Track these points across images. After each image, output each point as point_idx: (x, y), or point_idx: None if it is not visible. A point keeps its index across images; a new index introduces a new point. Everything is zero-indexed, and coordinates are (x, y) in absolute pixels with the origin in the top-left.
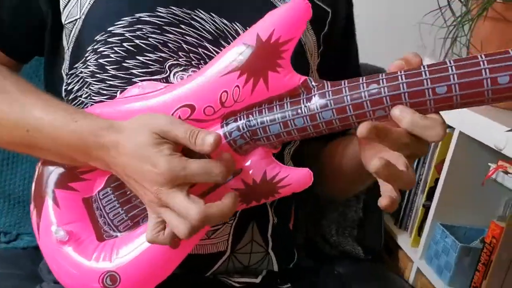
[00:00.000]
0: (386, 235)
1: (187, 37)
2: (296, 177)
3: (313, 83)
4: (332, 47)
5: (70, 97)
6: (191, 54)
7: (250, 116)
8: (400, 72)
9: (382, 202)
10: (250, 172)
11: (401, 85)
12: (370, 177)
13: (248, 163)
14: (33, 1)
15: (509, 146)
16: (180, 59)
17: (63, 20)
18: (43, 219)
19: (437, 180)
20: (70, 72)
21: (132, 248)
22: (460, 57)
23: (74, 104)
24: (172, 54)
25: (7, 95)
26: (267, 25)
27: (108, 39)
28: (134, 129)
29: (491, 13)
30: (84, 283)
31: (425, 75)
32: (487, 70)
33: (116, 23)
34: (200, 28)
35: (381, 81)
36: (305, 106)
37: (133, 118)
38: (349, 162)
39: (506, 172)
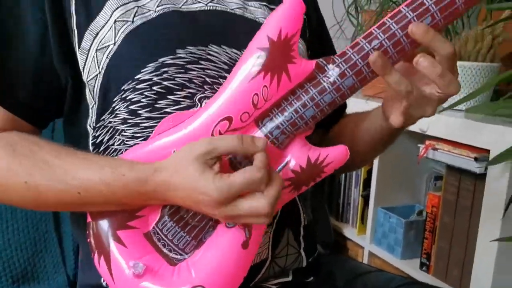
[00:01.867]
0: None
1: (208, 71)
2: (335, 154)
3: (324, 61)
4: (316, 46)
5: (101, 149)
6: (214, 86)
7: (284, 112)
8: (389, 21)
9: (395, 121)
10: (296, 161)
11: (396, 32)
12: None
13: (291, 154)
14: (52, 70)
15: (432, 127)
16: (206, 91)
17: (85, 79)
18: (113, 262)
19: (369, 170)
20: (97, 125)
21: (209, 259)
22: None
23: (107, 154)
24: (198, 89)
25: (45, 164)
26: (273, 26)
27: (137, 86)
28: (177, 164)
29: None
30: None
31: (410, 14)
32: None
33: (142, 71)
34: (216, 61)
35: (378, 35)
36: (327, 83)
37: (173, 154)
38: (369, 131)
39: (435, 149)
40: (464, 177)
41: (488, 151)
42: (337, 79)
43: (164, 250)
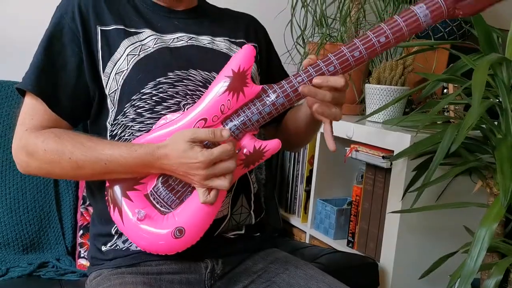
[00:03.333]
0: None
1: (189, 87)
2: (272, 145)
3: (267, 87)
4: (264, 66)
5: (116, 139)
6: (193, 96)
7: (239, 116)
8: (310, 69)
9: (331, 147)
10: (246, 148)
11: (311, 73)
12: (315, 127)
13: (243, 143)
14: (85, 87)
15: (355, 134)
16: (188, 100)
17: (107, 92)
18: (124, 211)
19: (311, 170)
20: (113, 123)
21: (187, 211)
22: None
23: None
24: (183, 98)
25: (82, 145)
26: (235, 63)
27: (142, 97)
28: (173, 143)
29: (322, 50)
30: (160, 241)
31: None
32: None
33: (145, 86)
34: (194, 80)
35: (300, 74)
36: (267, 101)
37: (170, 137)
38: (300, 121)
39: (357, 150)
40: (377, 171)
41: (392, 151)
42: (274, 99)
43: (158, 205)
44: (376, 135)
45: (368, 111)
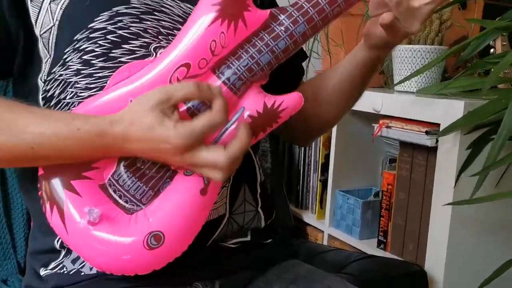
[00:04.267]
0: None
1: (162, 22)
2: (290, 100)
3: (277, 11)
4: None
5: (53, 103)
6: (169, 37)
7: (240, 58)
8: None
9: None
10: (252, 106)
11: None
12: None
13: (248, 100)
14: (1, 24)
15: (385, 106)
16: (161, 42)
17: (37, 32)
18: (67, 211)
19: (327, 155)
20: (48, 78)
21: (167, 207)
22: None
23: (57, 108)
24: (153, 39)
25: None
26: None
27: (90, 35)
28: (133, 115)
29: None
30: (126, 254)
31: None
32: None
33: (96, 19)
34: (170, 14)
35: None
36: (280, 30)
37: (129, 105)
38: (338, 81)
39: (388, 127)
40: (416, 152)
41: (438, 125)
42: (289, 25)
43: (121, 201)
44: (413, 106)
45: (396, 80)
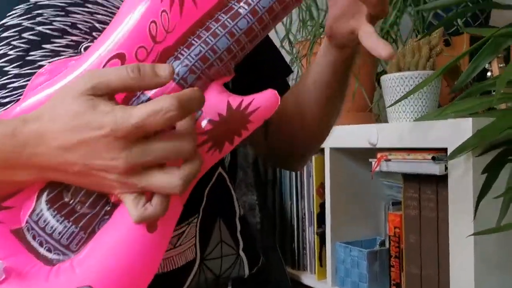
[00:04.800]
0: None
1: (97, 16)
2: (262, 98)
3: None
4: None
5: None
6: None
7: (191, 46)
8: None
9: (385, 51)
10: (213, 108)
11: None
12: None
13: (206, 101)
14: None
15: (381, 138)
16: (95, 40)
17: None
18: None
19: (322, 205)
20: None
21: (101, 253)
22: None
23: None
24: (85, 36)
25: None
26: None
27: (2, 35)
28: (54, 109)
29: (317, 49)
30: None
31: None
32: None
33: (8, 14)
34: (107, 5)
35: None
36: (240, 7)
37: (50, 99)
38: (313, 86)
39: (388, 160)
40: (423, 186)
41: (445, 149)
42: (252, 0)
43: (41, 249)
44: (413, 132)
45: (389, 115)
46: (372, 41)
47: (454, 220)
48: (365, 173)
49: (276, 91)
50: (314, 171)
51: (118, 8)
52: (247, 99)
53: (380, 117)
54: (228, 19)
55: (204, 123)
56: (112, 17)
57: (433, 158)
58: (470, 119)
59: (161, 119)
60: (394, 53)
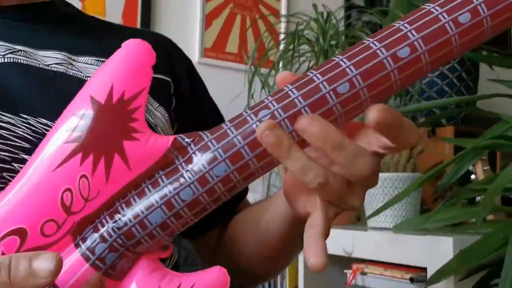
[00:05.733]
0: None
1: (2, 152)
2: (207, 282)
3: (186, 139)
4: (187, 119)
5: None
6: (4, 173)
7: (115, 214)
8: (288, 87)
9: (316, 261)
10: None
11: (296, 100)
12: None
13: (132, 283)
14: None
15: (357, 247)
16: None
17: None
18: None
19: None
20: None
21: None
22: None
23: None
24: None
25: None
26: (101, 82)
27: None
28: None
29: None
30: None
31: (318, 79)
32: (382, 50)
33: None
34: (10, 137)
35: (270, 104)
36: (187, 171)
37: None
38: (273, 224)
39: (364, 273)
40: None
41: (424, 269)
42: (203, 165)
43: None
44: (391, 246)
45: (368, 214)
46: (310, 241)
47: None
48: (341, 279)
49: (225, 270)
50: (288, 274)
51: (25, 140)
52: (186, 281)
53: (360, 215)
54: (168, 186)
55: None
56: (15, 154)
57: (411, 280)
58: (450, 238)
59: None
60: (323, 266)
